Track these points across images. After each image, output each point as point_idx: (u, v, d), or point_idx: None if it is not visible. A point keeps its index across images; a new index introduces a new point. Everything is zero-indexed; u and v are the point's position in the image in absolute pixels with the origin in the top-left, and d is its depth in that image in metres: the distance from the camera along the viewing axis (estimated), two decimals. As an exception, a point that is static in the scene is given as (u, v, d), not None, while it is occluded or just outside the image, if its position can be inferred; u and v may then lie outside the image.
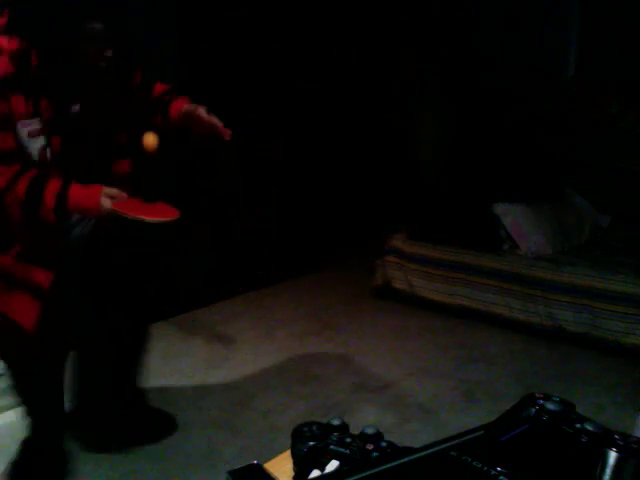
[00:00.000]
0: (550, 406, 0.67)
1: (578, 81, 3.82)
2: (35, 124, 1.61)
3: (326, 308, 3.50)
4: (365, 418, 2.34)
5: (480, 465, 0.65)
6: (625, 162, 3.49)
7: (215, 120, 1.86)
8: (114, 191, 1.64)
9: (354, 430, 0.84)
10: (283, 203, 3.93)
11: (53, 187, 1.59)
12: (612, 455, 0.62)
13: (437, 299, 3.37)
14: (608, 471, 0.62)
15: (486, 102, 3.95)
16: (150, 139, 1.75)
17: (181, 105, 1.92)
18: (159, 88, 2.02)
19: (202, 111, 1.87)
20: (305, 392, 2.57)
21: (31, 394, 1.93)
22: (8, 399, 2.43)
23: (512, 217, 3.30)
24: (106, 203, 1.61)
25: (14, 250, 1.72)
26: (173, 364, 2.79)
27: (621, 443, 0.62)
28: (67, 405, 2.08)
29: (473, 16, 4.10)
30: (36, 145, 1.62)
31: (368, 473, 0.67)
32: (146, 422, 2.23)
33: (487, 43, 4.03)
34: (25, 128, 1.59)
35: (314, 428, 0.86)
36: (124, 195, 1.65)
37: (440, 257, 3.34)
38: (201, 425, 2.31)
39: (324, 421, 0.87)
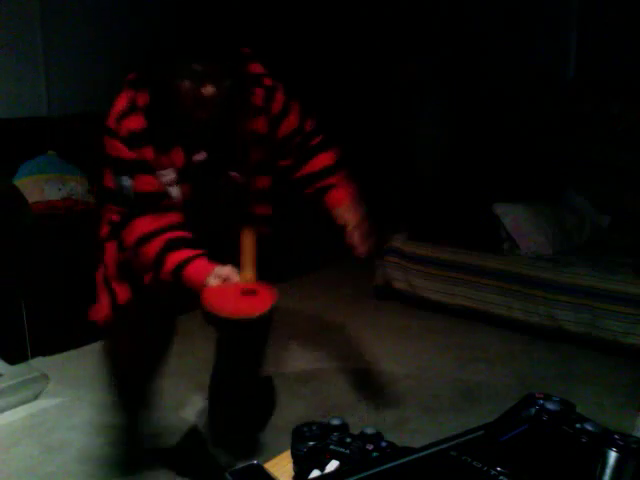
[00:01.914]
0: (550, 406, 0.67)
1: (578, 81, 3.82)
2: (170, 174, 1.66)
3: (326, 308, 3.50)
4: (365, 418, 2.34)
5: (480, 465, 0.65)
6: (625, 162, 3.49)
7: (359, 241, 1.75)
8: (225, 271, 1.57)
9: (354, 430, 0.84)
10: (282, 203, 3.92)
11: (178, 257, 1.60)
12: (612, 455, 0.62)
13: (437, 299, 3.37)
14: (608, 471, 0.62)
15: (486, 102, 3.95)
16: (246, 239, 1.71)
17: (341, 200, 1.81)
18: (322, 160, 1.85)
19: (356, 235, 1.75)
20: (305, 392, 2.57)
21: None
22: (8, 399, 2.43)
23: (512, 217, 3.30)
24: (213, 283, 1.55)
25: (119, 255, 1.83)
26: (173, 364, 2.78)
27: (621, 443, 0.62)
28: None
29: (473, 16, 4.10)
30: (174, 193, 1.68)
31: (368, 473, 0.67)
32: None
33: (487, 43, 4.03)
34: (162, 178, 1.65)
35: (314, 428, 0.86)
36: (234, 277, 1.57)
37: (440, 257, 3.34)
38: (201, 425, 2.31)
39: (324, 421, 0.87)
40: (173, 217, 1.66)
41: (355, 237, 1.74)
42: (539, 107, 3.85)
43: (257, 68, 1.76)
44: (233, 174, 1.77)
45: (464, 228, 3.37)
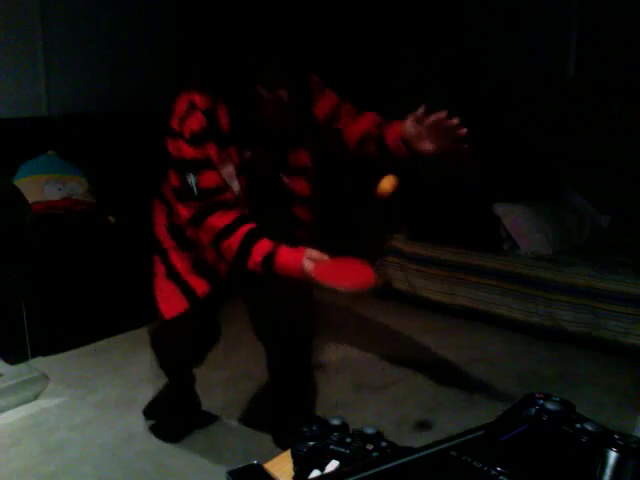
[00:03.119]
0: (550, 406, 0.67)
1: (578, 81, 3.81)
2: (229, 168, 1.77)
3: (326, 308, 3.50)
4: (365, 418, 2.34)
5: (480, 465, 0.65)
6: (625, 162, 3.49)
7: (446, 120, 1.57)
8: (315, 254, 1.67)
9: (354, 430, 0.84)
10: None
11: (263, 247, 1.70)
12: (612, 455, 0.62)
13: (437, 299, 3.37)
14: (608, 471, 0.62)
15: (486, 102, 3.95)
16: (387, 184, 1.65)
17: (397, 130, 1.68)
18: (367, 117, 1.83)
19: (438, 116, 1.57)
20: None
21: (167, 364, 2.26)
22: (8, 399, 2.43)
23: (512, 217, 3.30)
24: (308, 267, 1.65)
25: (192, 252, 1.92)
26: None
27: (621, 443, 0.62)
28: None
29: (473, 16, 4.10)
30: (233, 186, 1.78)
31: (368, 473, 0.67)
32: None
33: (487, 43, 4.03)
34: (223, 171, 1.76)
35: (314, 428, 0.86)
36: (325, 257, 1.68)
37: (440, 257, 3.34)
38: (201, 425, 2.31)
39: (324, 421, 0.87)
40: (239, 210, 1.76)
41: (444, 117, 1.57)
42: (539, 107, 3.84)
43: (314, 77, 1.88)
44: (283, 176, 1.89)
45: (464, 228, 3.37)
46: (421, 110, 1.59)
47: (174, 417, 2.31)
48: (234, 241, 1.71)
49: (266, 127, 1.82)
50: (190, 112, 1.71)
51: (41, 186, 3.10)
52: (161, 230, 1.98)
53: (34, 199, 3.03)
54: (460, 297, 3.28)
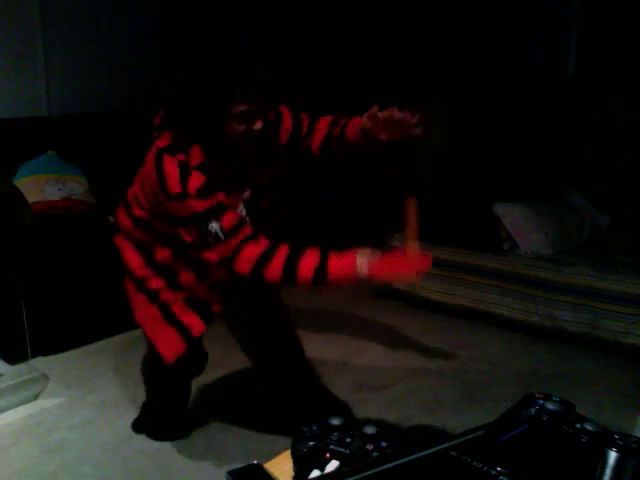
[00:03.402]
0: (550, 406, 0.67)
1: (578, 81, 3.81)
2: (243, 210, 1.86)
3: (326, 308, 3.50)
4: (365, 418, 2.34)
5: (480, 465, 0.65)
6: (625, 162, 3.49)
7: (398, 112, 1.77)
8: (367, 252, 1.70)
9: (354, 430, 0.84)
10: (280, 202, 3.92)
11: (310, 262, 1.71)
12: (612, 455, 0.62)
13: (437, 299, 3.37)
14: (608, 471, 0.62)
15: (486, 102, 3.95)
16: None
17: (357, 123, 1.86)
18: (324, 122, 1.97)
19: (394, 110, 1.77)
20: (305, 392, 2.56)
21: (157, 393, 2.27)
22: (8, 399, 2.43)
23: (512, 217, 3.30)
24: (363, 267, 1.68)
25: (184, 292, 1.92)
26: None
27: (621, 443, 0.62)
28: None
29: (473, 16, 4.10)
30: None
31: (368, 473, 0.67)
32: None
33: (487, 43, 4.03)
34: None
35: (314, 428, 0.86)
36: (377, 254, 1.71)
37: (440, 257, 3.33)
38: (201, 425, 2.31)
39: (324, 421, 0.87)
40: (266, 237, 1.78)
41: (395, 111, 1.76)
42: (539, 107, 3.84)
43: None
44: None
45: (464, 228, 3.36)
46: (375, 108, 1.78)
47: (168, 423, 2.31)
48: (277, 263, 1.72)
49: (242, 158, 1.85)
50: (187, 174, 1.69)
51: (41, 186, 3.10)
52: (143, 271, 1.93)
53: (34, 199, 3.03)
54: (460, 297, 3.28)
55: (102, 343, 3.01)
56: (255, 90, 1.70)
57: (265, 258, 1.72)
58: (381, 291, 3.58)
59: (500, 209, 3.33)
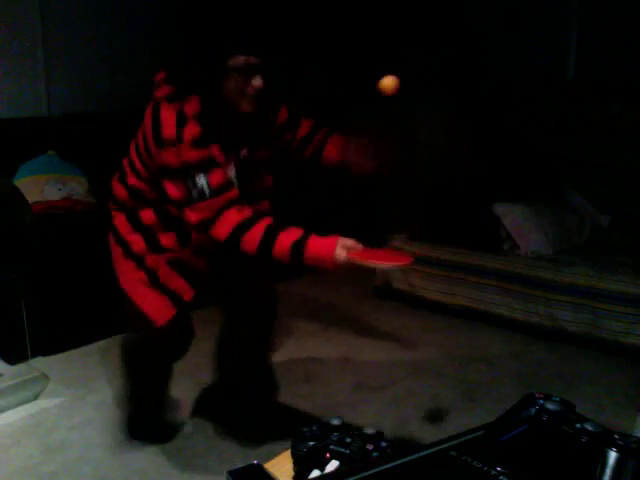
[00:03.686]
0: (550, 406, 0.67)
1: (578, 81, 3.81)
2: (232, 169, 1.84)
3: (326, 308, 3.50)
4: (365, 418, 2.34)
5: (480, 465, 0.65)
6: (625, 162, 3.49)
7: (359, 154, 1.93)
8: (349, 242, 1.69)
9: (354, 430, 0.84)
10: (280, 202, 3.92)
11: (291, 235, 1.70)
12: (612, 455, 0.62)
13: (437, 299, 3.37)
14: (608, 471, 0.62)
15: (486, 102, 3.95)
16: (388, 82, 1.78)
17: (337, 144, 1.99)
18: (305, 125, 2.05)
19: (355, 147, 1.94)
20: (305, 392, 2.57)
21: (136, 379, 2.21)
22: (8, 399, 2.43)
23: (512, 217, 3.30)
24: (341, 254, 1.66)
25: (166, 254, 1.91)
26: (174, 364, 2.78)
27: (621, 443, 0.62)
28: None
29: (473, 16, 4.10)
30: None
31: (368, 473, 0.67)
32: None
33: (487, 43, 4.03)
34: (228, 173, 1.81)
35: (314, 428, 0.86)
36: (359, 245, 1.70)
37: (440, 257, 3.34)
38: (201, 425, 2.31)
39: (324, 421, 0.87)
40: (250, 207, 1.77)
41: (353, 150, 1.90)
42: (539, 107, 3.84)
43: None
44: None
45: (464, 228, 3.37)
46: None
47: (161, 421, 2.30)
48: (257, 231, 1.70)
49: (248, 121, 1.84)
50: (183, 122, 1.69)
51: (41, 186, 3.10)
52: (129, 237, 1.94)
53: (34, 199, 3.03)
54: (460, 297, 3.28)
55: (102, 343, 3.00)
56: (255, 43, 1.71)
57: (245, 226, 1.71)
58: (381, 291, 3.58)
59: (500, 209, 3.33)
